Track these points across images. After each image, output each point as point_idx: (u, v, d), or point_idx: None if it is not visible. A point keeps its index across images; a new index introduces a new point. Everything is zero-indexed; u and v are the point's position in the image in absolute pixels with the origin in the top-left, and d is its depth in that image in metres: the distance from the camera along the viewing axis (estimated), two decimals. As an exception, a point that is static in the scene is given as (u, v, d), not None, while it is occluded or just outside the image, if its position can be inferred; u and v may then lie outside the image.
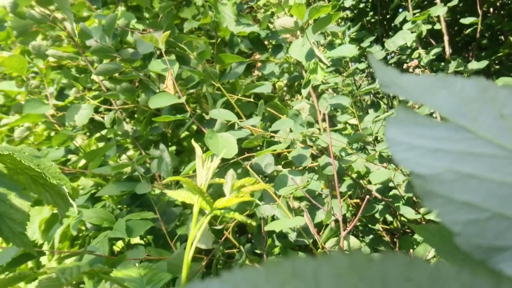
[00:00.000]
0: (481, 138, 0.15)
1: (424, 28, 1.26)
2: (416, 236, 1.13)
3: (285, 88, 1.59)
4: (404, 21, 1.39)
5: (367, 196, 0.81)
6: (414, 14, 1.38)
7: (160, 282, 0.47)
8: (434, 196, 0.14)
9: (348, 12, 1.73)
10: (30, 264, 1.25)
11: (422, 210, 1.03)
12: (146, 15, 1.33)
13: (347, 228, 0.81)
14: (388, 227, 1.48)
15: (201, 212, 0.49)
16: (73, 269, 0.40)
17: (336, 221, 0.99)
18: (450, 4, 1.33)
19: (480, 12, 1.44)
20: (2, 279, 0.37)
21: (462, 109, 0.16)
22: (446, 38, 1.37)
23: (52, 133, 1.36)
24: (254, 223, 0.48)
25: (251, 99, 1.29)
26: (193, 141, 0.53)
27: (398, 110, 0.16)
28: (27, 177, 0.53)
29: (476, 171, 0.14)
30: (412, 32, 1.27)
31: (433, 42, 1.47)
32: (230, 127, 1.12)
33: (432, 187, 0.14)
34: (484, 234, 0.13)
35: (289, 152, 1.08)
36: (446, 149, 0.15)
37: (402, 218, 1.41)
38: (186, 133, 1.42)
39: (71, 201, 0.56)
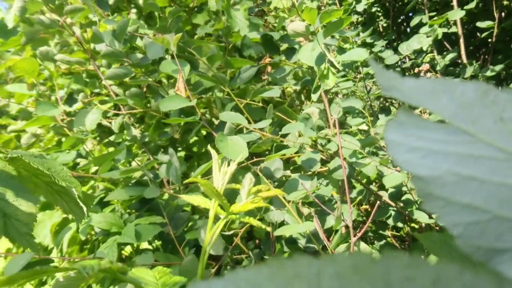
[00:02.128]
0: (481, 141, 0.15)
1: (440, 31, 1.24)
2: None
3: (294, 94, 1.58)
4: (419, 24, 1.37)
5: (378, 202, 0.80)
6: (430, 17, 1.36)
7: (175, 285, 0.47)
8: (434, 198, 0.14)
9: (358, 16, 1.72)
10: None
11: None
12: (159, 22, 1.34)
13: (358, 234, 0.80)
14: (397, 233, 1.46)
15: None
16: (94, 265, 0.40)
17: (347, 227, 0.97)
18: (467, 7, 1.30)
19: (496, 15, 1.41)
20: (25, 271, 0.37)
21: (462, 112, 0.16)
22: (462, 41, 1.35)
23: (62, 139, 1.37)
24: (269, 228, 0.48)
25: (260, 104, 1.28)
26: (209, 147, 0.54)
27: (399, 113, 0.16)
28: (42, 184, 0.53)
29: (476, 173, 0.14)
30: (428, 36, 1.25)
31: (447, 45, 1.45)
32: (238, 131, 1.11)
33: (432, 189, 0.14)
34: (485, 236, 0.13)
35: (298, 157, 1.07)
36: (447, 152, 0.15)
37: (412, 224, 1.39)
38: (195, 138, 1.42)
39: (81, 205, 0.56)
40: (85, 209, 0.56)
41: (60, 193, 0.55)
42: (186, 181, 0.49)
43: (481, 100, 0.16)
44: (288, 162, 1.25)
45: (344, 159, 1.00)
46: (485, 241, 0.13)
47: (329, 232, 0.97)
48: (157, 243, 1.11)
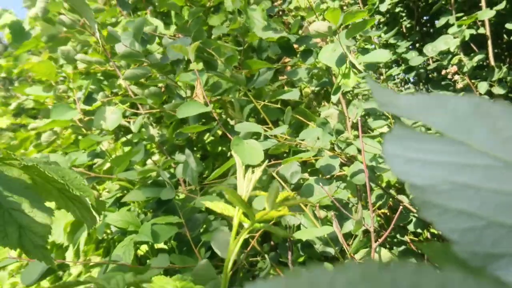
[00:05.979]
0: (476, 150, 0.15)
1: (468, 32, 1.20)
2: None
3: (311, 95, 1.56)
4: (444, 26, 1.33)
5: (400, 207, 0.78)
6: (457, 18, 1.31)
7: (196, 294, 0.46)
8: (431, 206, 0.14)
9: (380, 16, 1.68)
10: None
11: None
12: (175, 20, 1.34)
13: (379, 239, 0.78)
14: (416, 238, 1.43)
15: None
16: (118, 279, 0.39)
17: (366, 231, 0.95)
18: (497, 8, 1.26)
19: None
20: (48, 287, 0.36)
21: (456, 124, 0.16)
22: (490, 43, 1.31)
23: (80, 137, 1.38)
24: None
25: (278, 105, 1.27)
26: (233, 152, 0.52)
27: (395, 127, 0.17)
28: (54, 191, 0.52)
29: (471, 181, 0.15)
30: (455, 37, 1.21)
31: (474, 47, 1.41)
32: (256, 133, 1.10)
33: (429, 197, 0.15)
34: (481, 241, 0.14)
35: (316, 160, 1.05)
36: (443, 162, 0.15)
37: (432, 230, 1.36)
38: (211, 138, 1.41)
39: (95, 214, 0.55)
40: (97, 217, 0.56)
41: (73, 200, 0.54)
42: (216, 188, 0.48)
43: (474, 112, 0.16)
44: (304, 165, 1.23)
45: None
46: (482, 247, 0.14)
47: (346, 237, 0.95)
48: (173, 242, 1.11)
